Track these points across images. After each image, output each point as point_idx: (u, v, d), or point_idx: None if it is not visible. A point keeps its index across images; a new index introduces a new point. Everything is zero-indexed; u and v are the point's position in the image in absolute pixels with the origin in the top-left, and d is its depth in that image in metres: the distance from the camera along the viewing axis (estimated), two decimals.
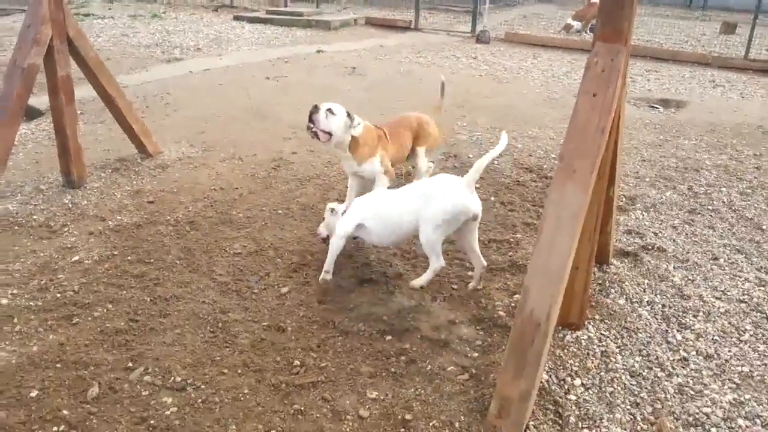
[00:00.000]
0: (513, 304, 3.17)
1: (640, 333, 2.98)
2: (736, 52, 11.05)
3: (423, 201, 3.14)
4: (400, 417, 2.40)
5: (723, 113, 7.02)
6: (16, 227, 3.86)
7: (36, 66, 4.03)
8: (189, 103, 6.61)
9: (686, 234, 4.06)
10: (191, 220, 4.07)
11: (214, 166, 4.95)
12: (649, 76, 9.09)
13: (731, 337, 2.98)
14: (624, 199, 4.53)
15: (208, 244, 3.77)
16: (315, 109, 3.52)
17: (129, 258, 3.57)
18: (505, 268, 3.55)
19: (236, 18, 13.06)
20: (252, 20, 12.79)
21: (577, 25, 13.71)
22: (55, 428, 2.31)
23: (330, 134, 3.55)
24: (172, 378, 2.59)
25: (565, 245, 2.34)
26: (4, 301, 3.10)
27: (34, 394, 2.47)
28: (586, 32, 13.69)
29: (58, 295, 3.18)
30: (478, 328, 3.00)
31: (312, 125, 3.52)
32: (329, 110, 3.52)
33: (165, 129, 5.75)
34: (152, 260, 3.57)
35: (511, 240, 3.89)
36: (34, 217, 4.03)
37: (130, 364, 2.66)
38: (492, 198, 4.49)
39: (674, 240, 3.96)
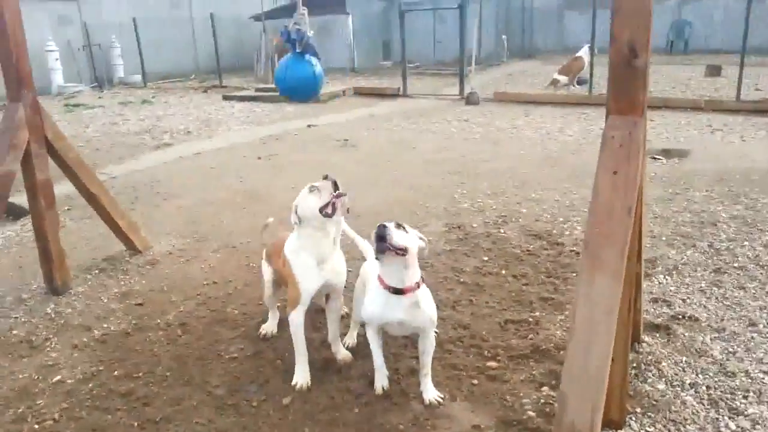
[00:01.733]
0: (543, 400, 2.84)
1: (689, 425, 2.64)
2: (726, 94, 11.04)
3: None
4: None
5: (729, 159, 6.84)
6: None
7: (12, 173, 3.83)
8: (180, 190, 6.42)
9: (716, 298, 3.76)
10: (183, 322, 3.77)
11: (207, 258, 4.69)
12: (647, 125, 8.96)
13: None
14: (644, 263, 4.25)
15: (201, 350, 3.45)
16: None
17: (116, 373, 3.25)
18: (527, 355, 3.24)
19: (226, 98, 13.14)
20: (242, 99, 12.86)
21: (563, 79, 13.83)
22: None
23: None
24: None
25: (602, 346, 2.06)
26: None
27: None
28: (573, 86, 13.81)
29: (36, 426, 2.85)
30: None
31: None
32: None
33: (155, 221, 5.52)
34: (141, 374, 3.25)
35: (530, 319, 3.59)
36: (14, 331, 3.73)
37: None
38: (503, 272, 4.21)
39: (705, 306, 3.66)
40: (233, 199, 6.08)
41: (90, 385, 3.16)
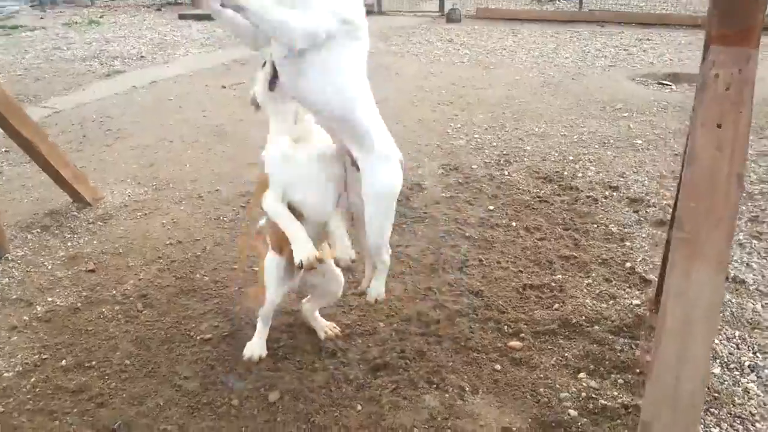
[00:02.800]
0: (584, 394, 2.37)
1: (759, 423, 2.21)
2: None
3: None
4: None
5: None
6: None
7: None
8: (134, 127, 5.64)
9: (758, 252, 3.30)
10: (143, 293, 3.19)
11: (169, 211, 4.05)
12: (643, 45, 8.32)
13: None
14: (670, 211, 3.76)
15: (167, 329, 2.90)
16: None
17: (63, 363, 2.69)
18: (554, 330, 2.75)
19: (182, 17, 11.93)
20: (200, 18, 11.65)
21: None
22: None
23: None
24: None
25: (700, 358, 1.55)
26: None
27: None
28: (559, 0, 12.94)
29: None
30: None
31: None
32: None
33: (106, 165, 4.80)
34: (94, 363, 2.69)
35: (552, 284, 3.09)
36: None
37: None
38: (513, 223, 3.68)
39: (748, 264, 3.20)
40: (196, 137, 5.35)
41: (32, 379, 2.61)
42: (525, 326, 2.78)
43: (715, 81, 1.62)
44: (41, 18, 12.28)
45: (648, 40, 8.66)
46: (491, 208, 3.88)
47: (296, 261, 2.24)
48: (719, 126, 1.60)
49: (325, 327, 2.81)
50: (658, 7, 11.13)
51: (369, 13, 12.02)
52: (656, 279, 2.95)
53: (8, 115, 3.61)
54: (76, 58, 8.63)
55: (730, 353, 2.57)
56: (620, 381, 2.42)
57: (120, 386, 2.55)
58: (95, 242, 3.71)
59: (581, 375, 2.48)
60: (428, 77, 7.04)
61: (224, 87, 6.90)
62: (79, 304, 3.11)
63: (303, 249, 2.22)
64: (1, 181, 4.66)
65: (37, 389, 2.55)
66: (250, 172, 4.55)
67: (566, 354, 2.60)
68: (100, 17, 12.17)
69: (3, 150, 5.14)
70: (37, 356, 2.75)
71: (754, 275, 3.10)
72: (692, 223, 1.59)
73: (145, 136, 5.40)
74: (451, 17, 10.98)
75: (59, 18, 12.19)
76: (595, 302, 2.93)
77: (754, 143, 4.71)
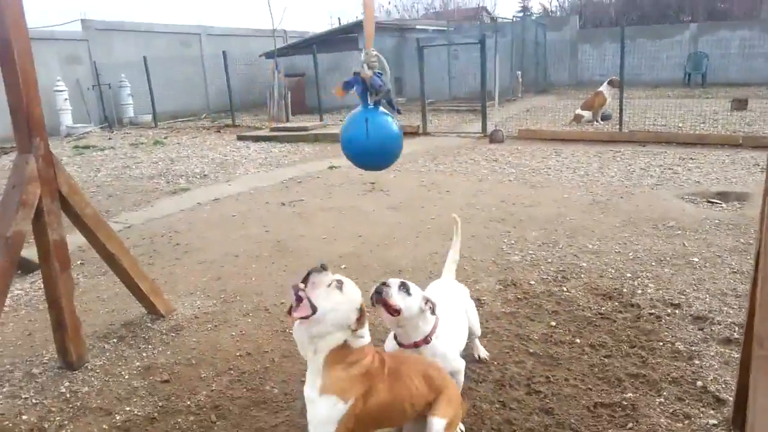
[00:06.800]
0: None
1: None
2: (761, 129, 10.61)
3: None
4: None
5: None
6: None
7: (22, 233, 3.37)
8: (201, 242, 5.95)
9: None
10: (216, 404, 3.26)
11: (237, 323, 4.20)
12: (688, 164, 8.52)
13: None
14: (736, 328, 3.74)
15: None
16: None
17: None
18: None
19: (240, 138, 12.79)
20: (257, 139, 12.51)
21: (587, 115, 13.48)
22: None
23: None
24: None
25: None
26: None
27: None
28: (597, 121, 13.45)
29: None
30: None
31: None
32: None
33: (176, 278, 5.05)
34: None
35: (624, 403, 3.06)
36: (24, 416, 3.23)
37: None
38: (577, 340, 3.69)
39: None
40: (260, 251, 5.61)
41: None
42: None
43: None
44: (109, 139, 13.27)
45: (691, 159, 8.87)
46: (553, 324, 3.92)
47: None
48: None
49: None
50: (696, 127, 11.46)
51: (414, 134, 12.70)
52: (731, 398, 2.91)
53: (96, 229, 3.90)
54: (144, 176, 9.25)
55: None
56: None
57: None
58: (168, 353, 3.85)
59: None
60: (477, 195, 7.31)
61: (283, 204, 7.27)
62: (155, 414, 3.20)
63: None
64: (77, 292, 4.90)
65: None
66: None
67: None
68: (164, 138, 13.11)
69: (79, 262, 5.46)
70: None
71: None
72: None
73: (211, 250, 5.69)
74: (495, 138, 11.48)
75: (126, 138, 13.16)
76: (669, 422, 2.89)
77: None
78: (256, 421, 3.10)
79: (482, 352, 3.53)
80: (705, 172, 7.93)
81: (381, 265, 5.07)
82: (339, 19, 52.11)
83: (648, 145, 10.22)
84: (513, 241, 5.48)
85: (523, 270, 4.83)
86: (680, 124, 11.96)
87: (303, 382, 3.39)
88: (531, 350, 3.61)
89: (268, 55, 19.62)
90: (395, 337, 2.86)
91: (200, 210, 7.15)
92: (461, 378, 2.91)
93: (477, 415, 3.01)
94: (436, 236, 5.78)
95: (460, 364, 2.91)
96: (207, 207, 7.27)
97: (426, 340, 2.77)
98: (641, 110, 14.19)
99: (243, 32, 23.12)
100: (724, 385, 3.16)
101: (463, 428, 2.85)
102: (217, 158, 10.57)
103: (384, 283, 2.70)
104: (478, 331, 3.45)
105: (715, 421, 2.88)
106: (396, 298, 2.67)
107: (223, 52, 16.22)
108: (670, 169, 8.23)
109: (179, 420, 3.14)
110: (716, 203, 6.36)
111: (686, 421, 2.90)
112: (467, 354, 3.37)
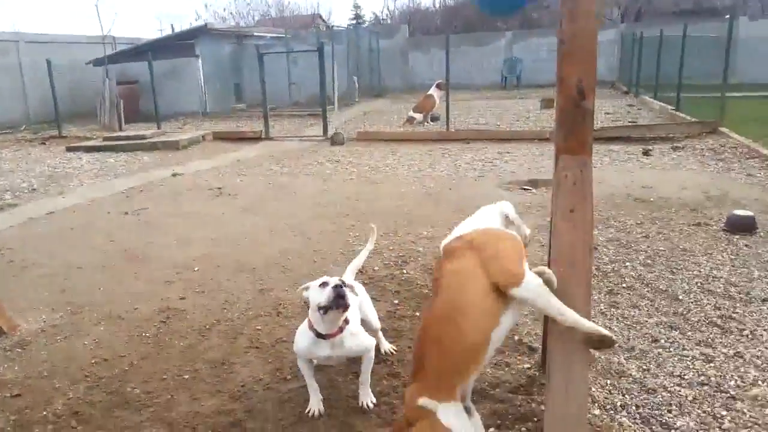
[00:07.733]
0: None
1: None
2: None
3: None
4: None
5: None
6: None
7: None
8: (38, 256, 5.68)
9: (617, 318, 4.02)
10: (75, 410, 3.28)
11: (90, 332, 4.16)
12: (505, 158, 9.60)
13: (713, 428, 2.86)
14: None
15: None
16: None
17: None
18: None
19: (70, 149, 12.03)
20: (89, 149, 11.85)
21: (418, 117, 14.47)
22: None
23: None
24: None
25: (580, 383, 2.08)
26: None
27: None
28: (427, 122, 14.49)
29: None
30: None
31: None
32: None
33: (15, 295, 4.82)
34: None
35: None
36: None
37: None
38: (417, 314, 4.18)
39: (610, 327, 3.89)
40: (106, 261, 5.49)
41: None
42: None
43: (566, 179, 2.29)
44: None
45: (508, 153, 10.00)
46: (396, 302, 4.38)
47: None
48: (572, 211, 2.24)
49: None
50: (512, 125, 12.85)
51: (257, 139, 12.81)
52: (540, 346, 3.54)
53: None
54: None
55: (605, 397, 3.14)
56: (523, 429, 2.89)
57: None
58: (16, 368, 3.74)
59: (491, 430, 2.92)
60: (323, 194, 7.69)
61: (126, 213, 7.10)
62: (8, 429, 3.14)
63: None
64: None
65: None
66: (166, 289, 4.78)
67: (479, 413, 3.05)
68: None
69: None
70: None
71: (615, 335, 3.77)
72: (562, 283, 2.18)
73: (51, 264, 5.47)
74: (336, 140, 11.98)
75: None
76: (493, 370, 3.44)
77: (603, 231, 5.68)
78: (120, 421, 3.17)
79: (386, 346, 3.71)
80: (519, 164, 9.02)
81: (235, 266, 5.24)
82: (172, 25, 49.91)
83: (472, 142, 11.30)
84: (357, 234, 5.92)
85: (367, 258, 5.26)
86: (498, 123, 13.32)
87: (164, 379, 3.54)
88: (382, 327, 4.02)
89: (96, 62, 18.53)
90: (311, 328, 2.98)
91: (33, 225, 6.76)
92: (372, 354, 3.15)
93: (334, 387, 3.35)
94: (287, 235, 6.05)
95: (371, 342, 3.17)
96: (42, 221, 6.88)
97: (341, 329, 2.97)
98: (466, 111, 15.59)
99: (66, 39, 21.52)
100: (535, 337, 3.80)
101: None
102: (46, 171, 9.91)
103: (340, 285, 2.84)
104: (377, 324, 3.60)
105: (529, 365, 3.48)
106: (349, 295, 2.91)
107: (48, 61, 15.09)
108: (490, 162, 9.24)
109: (36, 430, 3.12)
110: (528, 189, 7.33)
111: (506, 369, 3.47)
112: None
